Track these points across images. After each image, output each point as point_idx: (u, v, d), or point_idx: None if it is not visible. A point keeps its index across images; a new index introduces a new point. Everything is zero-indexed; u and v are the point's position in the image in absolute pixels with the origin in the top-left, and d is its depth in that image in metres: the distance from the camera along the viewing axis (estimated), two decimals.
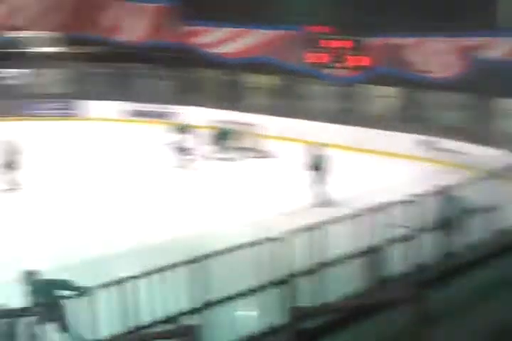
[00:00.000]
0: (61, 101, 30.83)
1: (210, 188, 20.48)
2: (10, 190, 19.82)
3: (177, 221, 16.79)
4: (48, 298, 10.93)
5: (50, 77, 31.79)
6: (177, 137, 23.05)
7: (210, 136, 24.12)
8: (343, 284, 10.16)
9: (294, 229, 9.99)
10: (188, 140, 23.18)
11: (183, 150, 22.61)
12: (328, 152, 19.18)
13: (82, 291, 10.40)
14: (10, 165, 20.02)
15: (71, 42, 32.29)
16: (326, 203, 18.03)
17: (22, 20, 33.17)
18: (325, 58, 27.24)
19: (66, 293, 10.73)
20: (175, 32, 31.85)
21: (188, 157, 22.71)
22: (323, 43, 27.21)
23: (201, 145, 23.56)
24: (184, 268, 9.02)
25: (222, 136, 24.24)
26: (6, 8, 32.53)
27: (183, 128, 23.56)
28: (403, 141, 23.81)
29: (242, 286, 9.43)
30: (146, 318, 8.78)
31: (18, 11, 33.08)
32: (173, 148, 22.55)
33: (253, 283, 9.50)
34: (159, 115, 29.89)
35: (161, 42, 31.52)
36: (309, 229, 10.01)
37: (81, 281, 11.11)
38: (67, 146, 24.67)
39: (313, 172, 18.74)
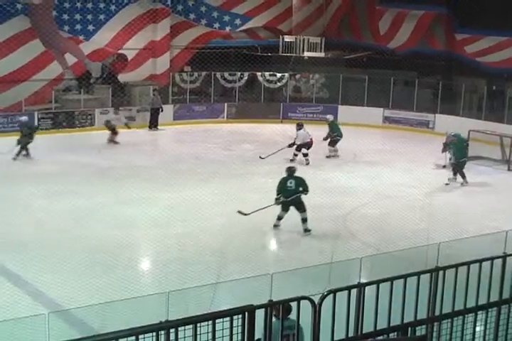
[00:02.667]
0: (320, 105, 31.31)
1: (457, 199, 20.00)
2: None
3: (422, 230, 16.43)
4: None
5: (310, 82, 32.42)
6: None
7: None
8: None
9: None
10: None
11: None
12: None
13: None
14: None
15: (333, 47, 32.78)
16: None
17: (289, 25, 34.28)
18: None
19: None
20: (443, 40, 31.40)
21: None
22: None
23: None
24: (423, 277, 8.72)
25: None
26: (274, 13, 33.78)
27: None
28: None
29: (479, 300, 8.99)
30: (378, 325, 8.58)
31: (285, 16, 34.26)
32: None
33: (491, 297, 9.04)
34: (415, 123, 29.54)
35: (427, 50, 31.21)
36: None
37: (319, 284, 11.22)
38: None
39: None
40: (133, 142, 26.42)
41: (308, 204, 18.56)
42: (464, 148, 21.68)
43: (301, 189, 16.62)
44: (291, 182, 16.69)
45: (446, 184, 21.16)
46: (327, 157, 24.37)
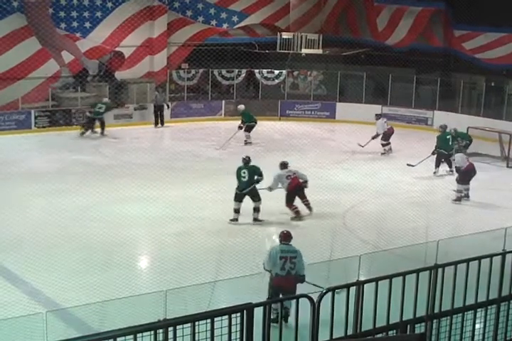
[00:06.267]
0: (318, 102, 31.24)
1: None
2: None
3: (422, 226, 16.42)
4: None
5: (308, 79, 32.34)
6: None
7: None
8: None
9: None
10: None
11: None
12: None
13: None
14: None
15: (331, 44, 32.70)
16: None
17: (286, 22, 34.21)
18: None
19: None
20: (441, 36, 31.37)
21: None
22: None
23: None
24: (422, 274, 8.69)
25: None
26: (271, 10, 33.72)
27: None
28: None
29: (479, 298, 8.97)
30: (377, 323, 8.56)
31: (283, 13, 34.19)
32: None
33: (490, 295, 9.02)
34: (414, 120, 29.48)
35: (426, 46, 31.20)
36: None
37: (318, 282, 11.19)
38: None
39: None
40: (130, 140, 26.38)
41: None
42: (445, 140, 21.72)
43: (255, 178, 16.79)
44: (244, 173, 16.83)
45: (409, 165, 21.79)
46: (245, 142, 25.38)
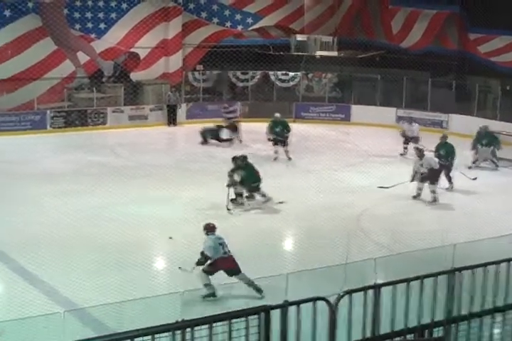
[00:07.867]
0: (333, 105, 31.20)
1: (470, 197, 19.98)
2: None
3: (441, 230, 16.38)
4: None
5: (323, 81, 32.32)
6: None
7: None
8: None
9: None
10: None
11: None
12: None
13: None
14: None
15: (345, 46, 32.67)
16: None
17: (300, 24, 34.21)
18: None
19: None
20: (456, 39, 31.31)
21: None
22: None
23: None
24: (440, 278, 8.68)
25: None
26: (285, 12, 33.72)
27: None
28: None
29: (497, 302, 8.95)
30: (393, 327, 8.54)
31: (297, 15, 34.19)
32: None
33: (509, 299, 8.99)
34: (429, 123, 29.38)
35: (440, 49, 31.13)
36: None
37: (335, 285, 11.19)
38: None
39: None
40: (146, 141, 26.42)
41: (321, 204, 18.56)
42: (447, 146, 21.32)
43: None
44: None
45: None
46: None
